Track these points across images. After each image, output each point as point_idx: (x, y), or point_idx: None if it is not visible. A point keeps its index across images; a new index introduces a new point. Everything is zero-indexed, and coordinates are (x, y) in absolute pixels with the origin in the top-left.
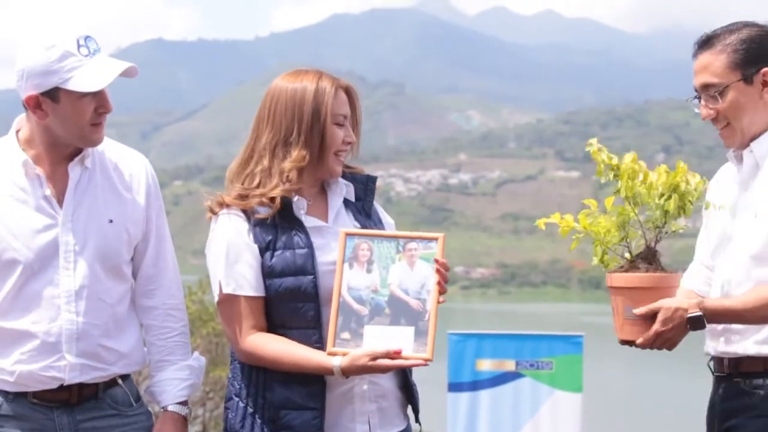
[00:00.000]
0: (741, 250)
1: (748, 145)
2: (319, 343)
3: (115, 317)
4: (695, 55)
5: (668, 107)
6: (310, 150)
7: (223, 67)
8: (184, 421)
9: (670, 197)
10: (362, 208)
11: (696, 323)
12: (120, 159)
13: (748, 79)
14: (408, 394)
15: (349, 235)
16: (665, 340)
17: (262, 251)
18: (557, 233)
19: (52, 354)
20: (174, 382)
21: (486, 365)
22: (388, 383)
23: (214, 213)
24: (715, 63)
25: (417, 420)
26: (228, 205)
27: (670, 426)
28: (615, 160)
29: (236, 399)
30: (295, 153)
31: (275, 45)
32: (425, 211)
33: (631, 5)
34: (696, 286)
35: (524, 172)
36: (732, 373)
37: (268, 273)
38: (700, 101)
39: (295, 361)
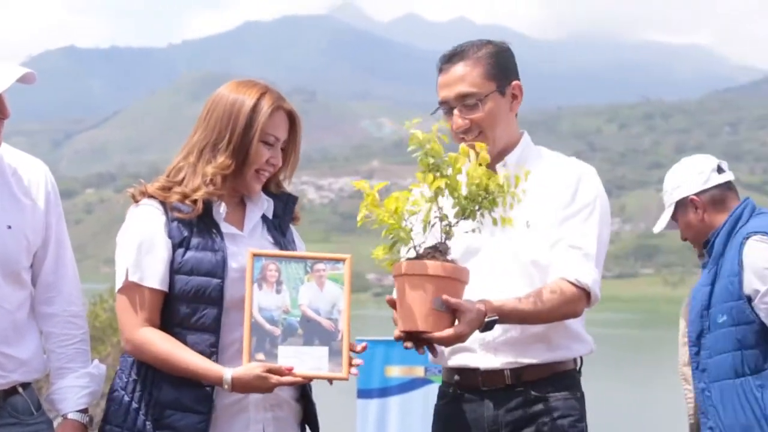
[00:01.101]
0: (515, 258)
1: (497, 157)
2: (215, 348)
3: (15, 324)
4: (443, 69)
5: (580, 114)
6: (235, 160)
7: (136, 74)
8: (84, 428)
9: (484, 191)
10: (278, 226)
11: (489, 326)
12: (18, 165)
13: (501, 91)
14: (305, 405)
15: (256, 255)
16: (458, 340)
17: (175, 247)
18: None
19: None
20: (74, 389)
21: (395, 372)
22: (285, 393)
23: (136, 201)
24: (473, 73)
25: None
26: (150, 195)
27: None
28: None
29: (121, 392)
30: (221, 159)
31: (187, 52)
32: (337, 218)
33: (542, 13)
34: None
35: None
36: (515, 384)
37: (177, 269)
38: (447, 114)
39: (186, 364)
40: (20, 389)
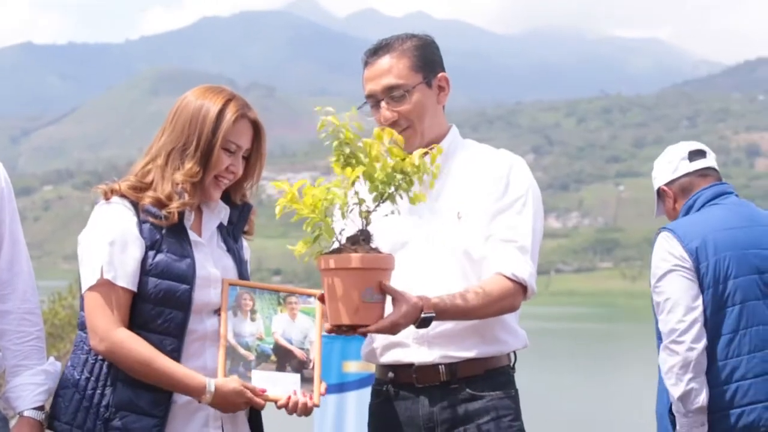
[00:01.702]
0: (446, 249)
1: (426, 148)
2: (176, 353)
3: None
4: (369, 62)
5: (539, 108)
6: (202, 167)
7: (93, 70)
8: (40, 426)
9: (395, 177)
10: (232, 232)
11: (425, 323)
12: None
13: (428, 83)
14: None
15: (231, 285)
16: (393, 329)
17: (147, 248)
18: None
19: None
20: (30, 387)
21: (352, 367)
22: None
23: (106, 198)
24: (399, 65)
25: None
26: (122, 195)
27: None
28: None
29: (72, 389)
30: (188, 165)
31: (145, 48)
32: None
33: (502, 7)
34: None
35: None
36: (450, 380)
37: (147, 271)
38: (375, 107)
39: (167, 370)
40: None
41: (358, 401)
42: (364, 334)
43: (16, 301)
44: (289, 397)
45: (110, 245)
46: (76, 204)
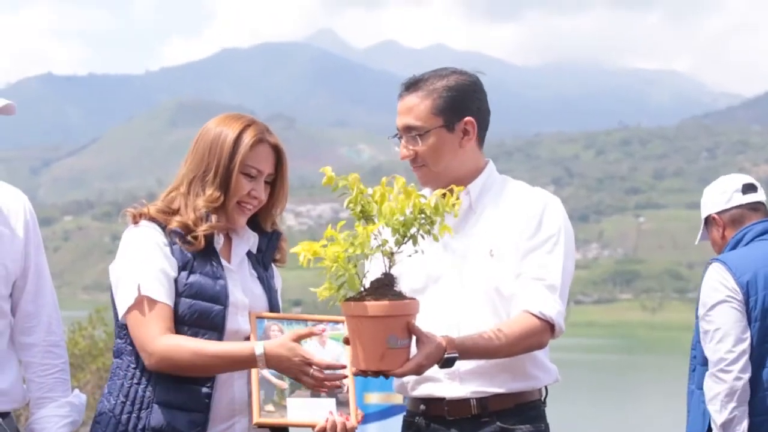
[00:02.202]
0: (477, 286)
1: (447, 186)
2: (210, 379)
3: None
4: (401, 96)
5: (558, 140)
6: (222, 193)
7: (113, 101)
8: None
9: (416, 218)
10: (261, 260)
11: (449, 363)
12: None
13: (449, 127)
14: None
15: (259, 318)
16: (418, 371)
17: (179, 269)
18: None
19: None
20: (54, 419)
21: (374, 398)
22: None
23: (135, 222)
24: (420, 107)
25: None
26: (151, 218)
27: None
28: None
29: (108, 414)
30: (209, 192)
31: (165, 79)
32: None
33: (521, 39)
34: None
35: None
36: (481, 413)
37: (180, 292)
38: (401, 140)
39: (218, 351)
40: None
41: None
42: (389, 376)
43: (41, 333)
44: (326, 419)
45: (144, 263)
46: (96, 234)
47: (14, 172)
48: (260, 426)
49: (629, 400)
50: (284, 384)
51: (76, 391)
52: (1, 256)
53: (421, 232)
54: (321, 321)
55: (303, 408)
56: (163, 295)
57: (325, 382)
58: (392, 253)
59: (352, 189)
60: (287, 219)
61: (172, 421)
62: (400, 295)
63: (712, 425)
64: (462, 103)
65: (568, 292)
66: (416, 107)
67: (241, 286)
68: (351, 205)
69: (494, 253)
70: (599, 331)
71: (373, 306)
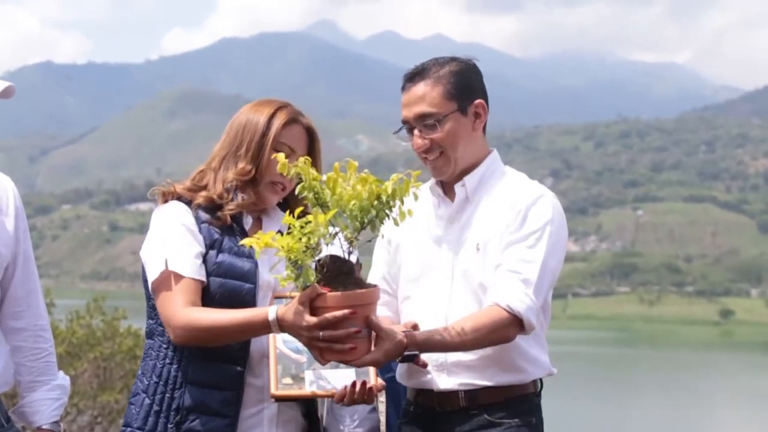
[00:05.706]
0: (464, 280)
1: (457, 177)
2: (243, 351)
3: None
4: (405, 87)
5: (557, 132)
6: (254, 167)
7: (113, 90)
8: None
9: (373, 204)
10: None
11: (408, 359)
12: None
13: (463, 111)
14: (310, 421)
15: (277, 297)
16: (376, 365)
17: (207, 247)
18: None
19: None
20: (47, 402)
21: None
22: (293, 410)
23: (165, 200)
24: (432, 93)
25: None
26: (179, 196)
27: None
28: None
29: (143, 395)
30: (241, 165)
31: (164, 69)
32: None
33: (521, 31)
34: (387, 314)
35: None
36: (469, 406)
37: (210, 271)
38: (410, 133)
39: (235, 318)
40: None
41: None
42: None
43: (30, 318)
44: (345, 387)
45: (172, 240)
46: (94, 223)
47: (13, 161)
48: (278, 399)
49: (626, 393)
50: (302, 358)
51: (61, 372)
52: None
53: (379, 218)
54: None
55: (321, 379)
56: (189, 269)
57: (333, 345)
58: (352, 240)
59: (306, 175)
60: None
61: (205, 399)
62: (359, 284)
63: None
64: (469, 86)
65: (550, 286)
66: (428, 95)
67: (269, 267)
68: (304, 192)
69: (480, 247)
70: (597, 323)
71: (331, 297)
